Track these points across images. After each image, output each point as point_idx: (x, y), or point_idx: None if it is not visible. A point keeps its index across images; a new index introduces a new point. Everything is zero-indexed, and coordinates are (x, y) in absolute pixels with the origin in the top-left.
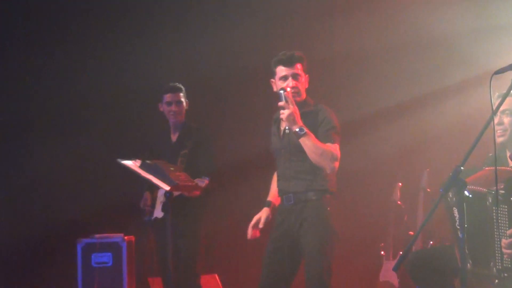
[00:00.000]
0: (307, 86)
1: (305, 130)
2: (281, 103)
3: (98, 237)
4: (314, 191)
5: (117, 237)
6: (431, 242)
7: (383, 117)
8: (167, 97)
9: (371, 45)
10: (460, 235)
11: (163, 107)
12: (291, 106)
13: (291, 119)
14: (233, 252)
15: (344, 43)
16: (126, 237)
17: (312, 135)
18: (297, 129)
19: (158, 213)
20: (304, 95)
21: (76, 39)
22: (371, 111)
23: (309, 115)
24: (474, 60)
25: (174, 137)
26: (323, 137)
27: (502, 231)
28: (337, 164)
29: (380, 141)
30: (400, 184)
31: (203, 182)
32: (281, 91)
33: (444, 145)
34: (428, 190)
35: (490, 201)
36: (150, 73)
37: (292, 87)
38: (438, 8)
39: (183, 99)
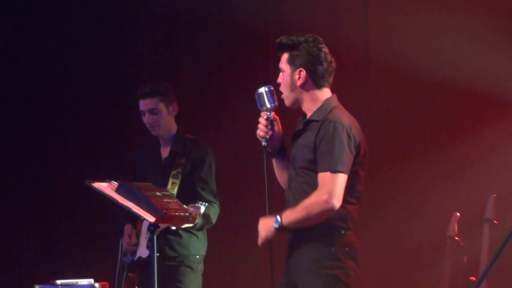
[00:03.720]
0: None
1: (279, 221)
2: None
3: (61, 284)
4: (318, 224)
5: (86, 283)
6: None
7: (435, 130)
8: (140, 105)
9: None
10: None
11: None
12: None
13: None
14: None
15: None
16: (98, 284)
17: (289, 213)
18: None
19: (143, 252)
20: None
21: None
22: (418, 123)
23: (314, 125)
24: None
25: (164, 153)
26: (320, 165)
27: None
28: (336, 202)
29: (431, 161)
30: (458, 214)
31: (198, 209)
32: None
33: None
34: (495, 222)
35: None
36: (134, 66)
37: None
38: None
39: (160, 106)
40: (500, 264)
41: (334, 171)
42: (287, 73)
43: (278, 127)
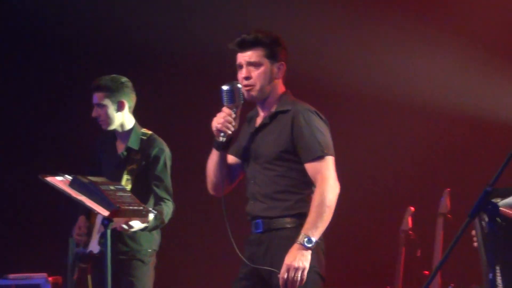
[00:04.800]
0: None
1: (312, 240)
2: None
3: (13, 278)
4: (291, 216)
5: (38, 277)
6: (452, 285)
7: (391, 126)
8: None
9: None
10: (490, 275)
11: None
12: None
13: None
14: None
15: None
16: (50, 278)
17: (312, 224)
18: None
19: (94, 246)
20: (267, 89)
21: None
22: (376, 118)
23: (282, 117)
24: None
25: (119, 148)
26: (306, 155)
27: None
28: (337, 183)
29: (387, 155)
30: (413, 208)
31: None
32: (226, 87)
33: (470, 158)
34: (449, 216)
35: None
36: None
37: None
38: None
39: (106, 102)
40: (454, 258)
41: (324, 156)
42: (266, 67)
43: (237, 122)
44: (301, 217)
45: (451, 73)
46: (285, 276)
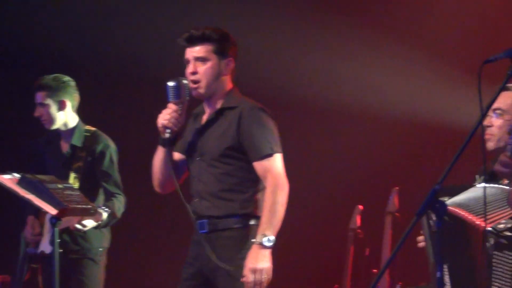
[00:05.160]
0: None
1: (271, 239)
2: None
3: None
4: (236, 216)
5: None
6: (400, 283)
7: (341, 128)
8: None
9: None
10: (437, 274)
11: None
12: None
13: None
14: None
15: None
16: None
17: (268, 223)
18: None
19: (46, 246)
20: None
21: None
22: (325, 116)
23: (229, 114)
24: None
25: (64, 147)
26: (255, 153)
27: (500, 283)
28: (286, 180)
29: (336, 154)
30: (361, 207)
31: (100, 215)
32: (172, 83)
33: (418, 157)
34: (397, 214)
35: (492, 243)
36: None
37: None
38: None
39: (47, 101)
40: (402, 257)
41: (272, 154)
42: (214, 63)
43: (183, 119)
44: (246, 218)
45: (399, 78)
46: (251, 279)
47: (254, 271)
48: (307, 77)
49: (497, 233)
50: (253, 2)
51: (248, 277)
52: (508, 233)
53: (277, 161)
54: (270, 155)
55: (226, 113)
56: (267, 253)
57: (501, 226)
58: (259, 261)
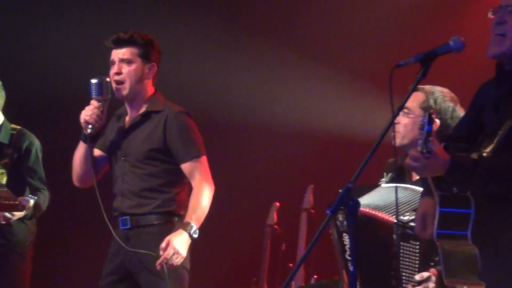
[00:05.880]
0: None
1: (195, 228)
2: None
3: None
4: (158, 214)
5: None
6: (315, 276)
7: (256, 125)
8: None
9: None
10: (351, 268)
11: None
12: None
13: None
14: None
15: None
16: None
17: (194, 215)
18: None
19: None
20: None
21: None
22: (240, 117)
23: (155, 117)
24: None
25: None
26: (183, 156)
27: (409, 271)
28: (213, 187)
29: (253, 152)
30: (278, 204)
31: (27, 202)
32: (95, 80)
33: (332, 156)
34: (313, 211)
35: (399, 234)
36: None
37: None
38: None
39: None
40: (317, 251)
41: (199, 156)
42: (138, 65)
43: (105, 115)
44: (168, 215)
45: (314, 93)
46: (163, 249)
47: (171, 246)
48: (222, 94)
49: (402, 225)
50: (167, 24)
51: (163, 247)
52: (413, 224)
53: (203, 163)
54: (197, 157)
55: (152, 116)
56: (187, 241)
57: (406, 218)
58: (179, 242)
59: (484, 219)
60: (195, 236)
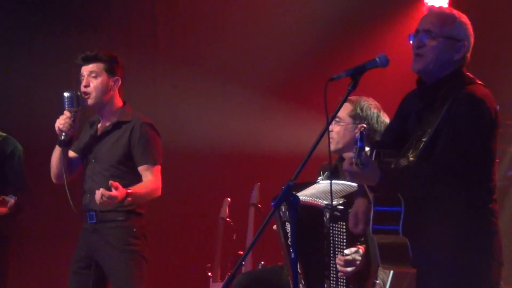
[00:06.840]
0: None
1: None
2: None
3: None
4: (121, 211)
5: None
6: (262, 262)
7: (208, 127)
8: None
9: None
10: (292, 254)
11: None
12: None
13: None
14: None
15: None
16: None
17: (138, 191)
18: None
19: None
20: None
21: None
22: (194, 119)
23: (124, 127)
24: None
25: None
26: (140, 161)
27: (339, 249)
28: (159, 194)
29: (206, 153)
30: (229, 199)
31: (9, 201)
32: (68, 93)
33: (276, 158)
34: (259, 206)
35: (328, 217)
36: None
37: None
38: None
39: None
40: (263, 240)
41: (156, 164)
42: (104, 79)
43: (77, 124)
44: (128, 213)
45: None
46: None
47: (115, 187)
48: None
49: (331, 208)
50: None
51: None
52: (340, 207)
53: (156, 171)
54: (152, 165)
55: (121, 126)
56: (121, 199)
57: (334, 202)
58: (118, 192)
59: (412, 215)
60: (129, 200)
